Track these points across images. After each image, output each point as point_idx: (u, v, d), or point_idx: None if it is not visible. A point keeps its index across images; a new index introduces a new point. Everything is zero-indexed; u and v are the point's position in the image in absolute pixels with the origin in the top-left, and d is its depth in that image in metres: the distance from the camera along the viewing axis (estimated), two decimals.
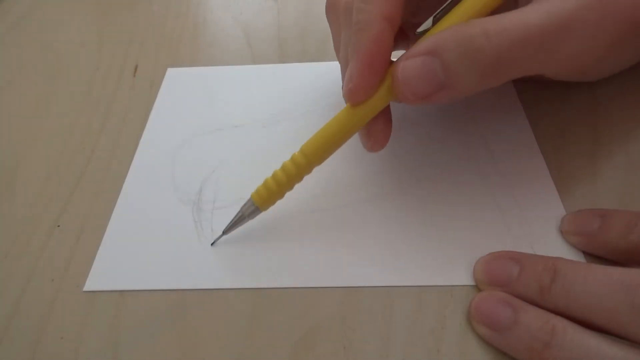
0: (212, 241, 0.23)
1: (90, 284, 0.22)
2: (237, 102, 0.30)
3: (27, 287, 0.22)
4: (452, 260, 0.22)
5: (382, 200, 0.24)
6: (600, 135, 0.26)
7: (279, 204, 0.23)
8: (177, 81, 0.32)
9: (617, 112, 0.27)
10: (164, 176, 0.26)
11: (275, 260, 0.22)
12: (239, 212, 0.23)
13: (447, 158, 0.26)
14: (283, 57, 0.33)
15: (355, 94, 0.21)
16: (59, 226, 0.24)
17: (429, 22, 0.21)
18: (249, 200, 0.22)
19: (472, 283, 0.21)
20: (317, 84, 0.31)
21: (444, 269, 0.21)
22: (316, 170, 0.23)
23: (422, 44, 0.20)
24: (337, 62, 0.31)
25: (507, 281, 0.20)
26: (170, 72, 0.33)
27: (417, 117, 0.28)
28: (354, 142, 0.27)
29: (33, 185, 0.27)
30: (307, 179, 0.22)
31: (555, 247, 0.22)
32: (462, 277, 0.21)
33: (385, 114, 0.22)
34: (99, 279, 0.22)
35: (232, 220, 0.23)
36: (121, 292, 0.22)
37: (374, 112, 0.21)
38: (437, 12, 0.21)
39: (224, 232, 0.23)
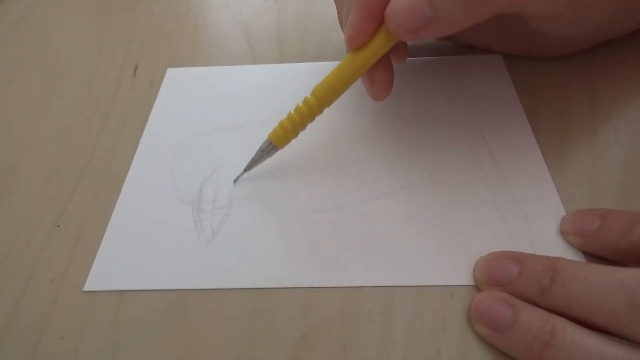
0: (235, 178, 0.25)
1: (90, 284, 0.22)
2: (237, 102, 0.30)
3: (27, 287, 0.22)
4: (452, 260, 0.22)
5: (382, 200, 0.24)
6: (600, 135, 0.26)
7: (279, 205, 0.23)
8: (177, 81, 0.32)
9: (617, 112, 0.27)
10: (164, 176, 0.26)
11: (275, 260, 0.22)
12: (258, 150, 0.25)
13: (447, 158, 0.26)
14: (283, 57, 0.33)
15: (354, 39, 0.22)
16: (59, 226, 0.25)
17: None
18: (267, 140, 0.24)
19: (472, 283, 0.21)
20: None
21: (444, 269, 0.21)
22: (316, 171, 0.23)
23: None
24: (337, 62, 0.31)
25: (507, 281, 0.20)
26: (170, 72, 0.33)
27: (416, 117, 0.28)
28: (354, 142, 0.27)
29: (33, 185, 0.27)
30: (308, 179, 0.22)
31: (555, 247, 0.22)
32: (462, 277, 0.21)
33: (386, 63, 0.24)
34: (99, 279, 0.22)
35: (253, 158, 0.25)
36: (121, 292, 0.22)
37: (374, 57, 0.23)
38: None
39: (246, 170, 0.25)
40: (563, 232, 0.22)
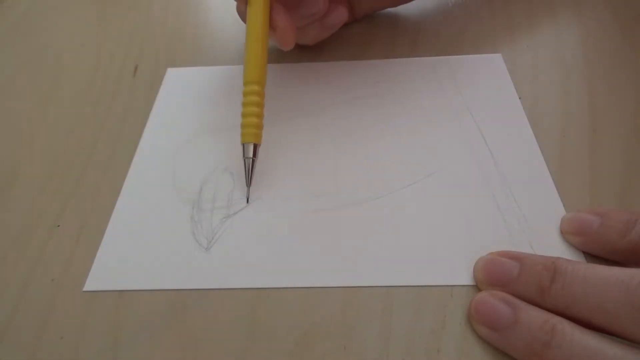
0: (246, 197, 0.25)
1: (90, 284, 0.22)
2: (237, 102, 0.30)
3: (27, 287, 0.22)
4: (452, 260, 0.22)
5: (382, 200, 0.24)
6: (599, 135, 0.26)
7: (279, 204, 0.23)
8: (177, 81, 0.32)
9: (617, 112, 0.27)
10: (164, 176, 0.26)
11: (275, 260, 0.22)
12: (245, 160, 0.24)
13: (447, 158, 0.26)
14: (283, 57, 0.33)
15: None
16: (59, 226, 0.25)
17: None
18: (246, 145, 0.24)
19: (472, 283, 0.21)
20: (317, 83, 0.31)
21: (444, 269, 0.21)
22: (316, 171, 0.23)
23: None
24: (337, 62, 0.31)
25: (507, 281, 0.20)
26: (170, 72, 0.33)
27: (416, 117, 0.28)
28: (354, 143, 0.27)
29: (33, 185, 0.27)
30: (307, 180, 0.22)
31: (555, 247, 0.22)
32: (462, 277, 0.21)
33: (278, 10, 0.25)
34: (99, 279, 0.22)
35: (246, 169, 0.25)
36: (121, 292, 0.22)
37: (262, 5, 0.25)
38: None
39: (248, 184, 0.25)
40: (563, 232, 0.22)
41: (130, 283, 0.22)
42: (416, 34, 0.34)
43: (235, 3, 0.28)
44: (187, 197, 0.25)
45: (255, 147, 0.24)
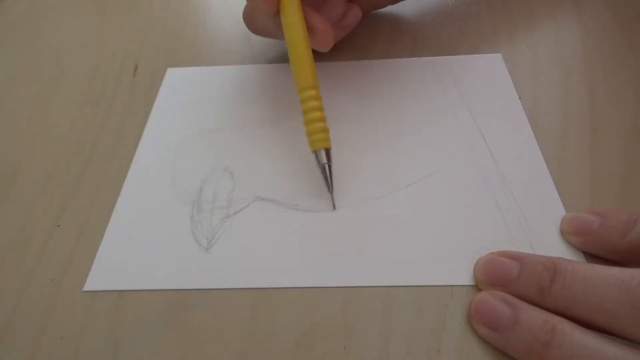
0: (334, 206, 0.24)
1: (90, 284, 0.22)
2: (237, 102, 0.30)
3: (27, 287, 0.22)
4: (452, 260, 0.22)
5: (382, 200, 0.24)
6: (599, 135, 0.26)
7: (279, 204, 0.23)
8: (177, 81, 0.32)
9: (617, 112, 0.27)
10: (164, 176, 0.26)
11: (275, 260, 0.22)
12: (321, 167, 0.24)
13: (446, 158, 0.26)
14: (283, 57, 0.33)
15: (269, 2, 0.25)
16: (59, 226, 0.25)
17: None
18: (318, 151, 0.24)
19: (472, 283, 0.21)
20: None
21: (444, 269, 0.21)
22: (316, 170, 0.23)
23: None
24: (337, 63, 0.31)
25: (507, 281, 0.20)
26: (170, 72, 0.33)
27: (416, 117, 0.28)
28: (354, 143, 0.27)
29: (33, 185, 0.27)
30: (307, 180, 0.22)
31: (555, 247, 0.22)
32: (462, 277, 0.21)
33: (314, 13, 0.25)
34: (99, 279, 0.22)
35: (325, 176, 0.24)
36: (121, 292, 0.22)
37: (295, 9, 0.25)
38: None
39: (330, 191, 0.24)
40: (563, 232, 0.22)
41: (130, 283, 0.22)
42: (416, 34, 0.34)
43: (236, 5, 0.28)
44: (187, 197, 0.25)
45: (328, 151, 0.24)
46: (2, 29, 0.39)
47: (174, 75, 0.33)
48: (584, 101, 0.28)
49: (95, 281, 0.22)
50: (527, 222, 0.23)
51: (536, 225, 0.23)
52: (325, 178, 0.24)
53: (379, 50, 0.33)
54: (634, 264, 0.20)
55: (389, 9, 0.36)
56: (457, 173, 0.25)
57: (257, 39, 0.35)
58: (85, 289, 0.22)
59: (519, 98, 0.29)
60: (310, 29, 0.25)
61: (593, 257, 0.21)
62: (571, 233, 0.22)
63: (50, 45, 0.36)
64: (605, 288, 0.17)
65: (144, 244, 0.23)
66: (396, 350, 0.19)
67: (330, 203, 0.24)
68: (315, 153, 0.24)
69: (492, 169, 0.25)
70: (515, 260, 0.20)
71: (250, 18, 0.29)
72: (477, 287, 0.21)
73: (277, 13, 0.26)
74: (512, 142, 0.26)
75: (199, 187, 0.26)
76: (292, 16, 0.25)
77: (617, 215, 0.20)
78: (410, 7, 0.36)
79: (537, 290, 0.19)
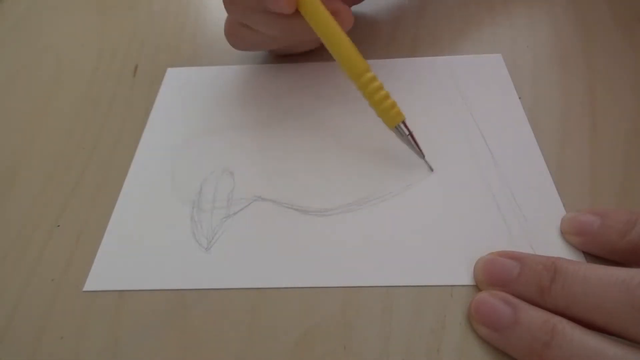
0: (430, 168, 0.25)
1: (90, 284, 0.22)
2: (237, 102, 0.30)
3: (27, 287, 0.22)
4: (452, 260, 0.22)
5: (382, 200, 0.24)
6: (599, 135, 0.26)
7: (279, 204, 0.23)
8: (177, 81, 0.32)
9: (617, 112, 0.27)
10: (164, 176, 0.26)
11: (275, 260, 0.22)
12: (405, 138, 0.25)
13: (446, 158, 0.26)
14: (282, 57, 0.33)
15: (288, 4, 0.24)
16: (59, 226, 0.25)
17: None
18: (398, 126, 0.24)
19: (472, 283, 0.21)
20: (317, 83, 0.31)
21: (444, 269, 0.21)
22: (317, 171, 0.23)
23: None
24: (336, 62, 0.31)
25: (507, 281, 0.20)
26: (170, 72, 0.33)
27: (416, 117, 0.28)
28: (354, 142, 0.27)
29: (33, 185, 0.27)
30: (307, 180, 0.22)
31: (555, 247, 0.22)
32: (462, 277, 0.21)
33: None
34: (99, 279, 0.22)
35: (411, 145, 0.25)
36: (121, 292, 0.22)
37: (320, 4, 0.24)
38: None
39: (423, 157, 0.25)
40: (563, 232, 0.22)
41: (130, 283, 0.22)
42: (416, 34, 0.34)
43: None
44: (187, 197, 0.25)
45: (404, 122, 0.25)
46: (2, 29, 0.39)
47: (174, 75, 0.33)
48: (584, 101, 0.28)
49: (95, 281, 0.22)
50: (527, 222, 0.23)
51: (536, 225, 0.23)
52: (414, 146, 0.25)
53: (379, 50, 0.33)
54: (634, 264, 0.20)
55: (390, 9, 0.36)
56: (457, 173, 0.25)
57: None
58: (85, 289, 0.22)
59: (519, 98, 0.29)
60: (333, 13, 0.25)
61: (593, 257, 0.21)
62: (571, 233, 0.22)
63: (50, 45, 0.36)
64: (606, 288, 0.17)
65: (144, 244, 0.23)
66: (396, 350, 0.19)
67: (329, 203, 0.24)
68: (396, 128, 0.25)
69: (492, 169, 0.25)
70: (515, 260, 0.20)
71: (234, 31, 0.29)
72: (477, 287, 0.21)
73: (289, 15, 0.25)
74: (512, 142, 0.26)
75: (199, 187, 0.26)
76: (318, 9, 0.25)
77: (617, 215, 0.20)
78: (410, 7, 0.36)
79: (537, 290, 0.19)
